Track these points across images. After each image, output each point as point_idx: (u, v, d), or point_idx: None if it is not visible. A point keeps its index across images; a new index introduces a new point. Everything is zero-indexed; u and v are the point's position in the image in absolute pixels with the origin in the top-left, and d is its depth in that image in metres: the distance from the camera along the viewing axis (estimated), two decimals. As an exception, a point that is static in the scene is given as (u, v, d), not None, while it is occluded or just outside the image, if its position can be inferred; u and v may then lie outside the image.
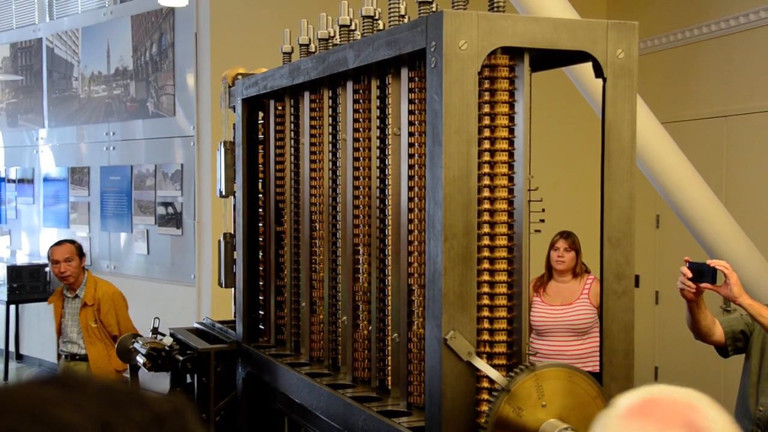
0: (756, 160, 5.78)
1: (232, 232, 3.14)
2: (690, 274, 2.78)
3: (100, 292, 4.83)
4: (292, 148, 2.78)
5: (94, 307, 4.77)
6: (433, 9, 1.99)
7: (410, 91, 2.06)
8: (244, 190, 3.00)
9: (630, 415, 0.96)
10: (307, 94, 2.63)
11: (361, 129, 2.33)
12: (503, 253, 1.85)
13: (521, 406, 1.72)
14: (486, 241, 1.85)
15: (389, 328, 2.19)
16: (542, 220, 1.86)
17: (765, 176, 5.72)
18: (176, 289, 6.63)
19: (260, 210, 3.04)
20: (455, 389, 1.78)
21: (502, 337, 1.85)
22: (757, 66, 5.81)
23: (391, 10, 2.16)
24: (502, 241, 1.85)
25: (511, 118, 1.86)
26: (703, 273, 2.76)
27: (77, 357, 4.79)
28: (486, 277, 1.84)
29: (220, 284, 3.19)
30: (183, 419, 0.64)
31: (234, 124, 3.09)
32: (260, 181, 3.04)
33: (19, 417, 0.58)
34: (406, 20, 2.15)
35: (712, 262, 2.79)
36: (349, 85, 2.35)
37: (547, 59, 2.02)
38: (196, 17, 6.35)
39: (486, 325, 1.84)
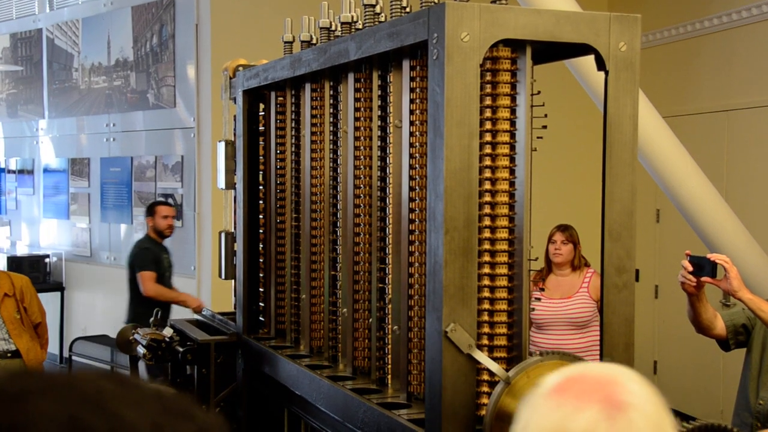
0: (757, 154, 5.78)
1: (233, 228, 3.14)
2: (690, 268, 2.78)
3: (18, 281, 4.60)
4: (293, 140, 2.78)
5: (17, 297, 4.53)
6: (435, 1, 1.99)
7: (412, 82, 2.05)
8: (245, 182, 2.99)
9: (551, 393, 0.95)
10: (308, 86, 2.62)
11: (362, 118, 2.32)
12: (504, 246, 1.85)
13: (521, 399, 1.72)
14: (487, 233, 1.84)
15: (389, 320, 2.19)
16: (545, 127, 1.85)
17: (766, 170, 5.71)
18: (176, 281, 6.63)
19: (261, 202, 3.04)
20: (455, 382, 1.78)
21: (503, 329, 1.85)
22: (758, 60, 5.79)
23: (393, 1, 2.15)
24: (502, 233, 1.85)
25: (513, 111, 1.86)
26: (703, 267, 2.77)
27: (9, 354, 4.47)
28: (487, 269, 1.84)
29: (220, 276, 3.19)
30: None
31: (235, 116, 3.09)
32: (261, 173, 3.03)
33: (83, 405, 0.59)
34: (408, 12, 2.14)
35: (712, 256, 2.80)
36: (351, 77, 2.35)
37: (549, 52, 2.01)
38: (196, 8, 6.34)
39: (486, 317, 1.84)
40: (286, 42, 2.85)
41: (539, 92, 1.88)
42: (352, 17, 2.43)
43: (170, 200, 6.71)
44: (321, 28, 2.58)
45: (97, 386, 0.62)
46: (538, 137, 1.87)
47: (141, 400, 0.62)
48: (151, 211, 5.56)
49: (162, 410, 0.62)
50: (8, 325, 4.49)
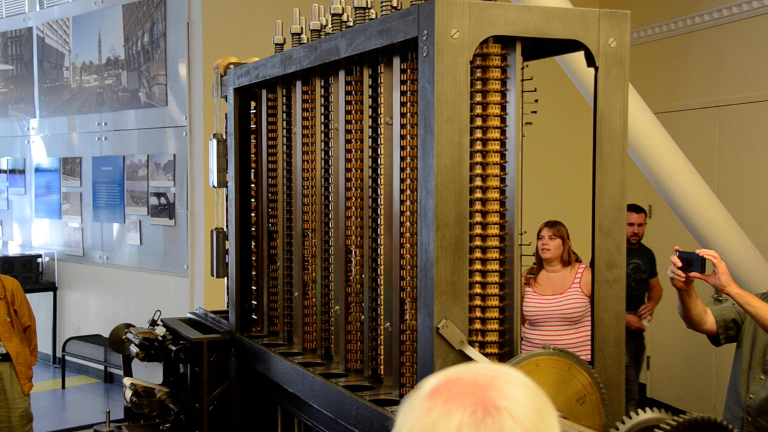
0: (748, 150, 5.80)
1: (224, 226, 3.14)
2: (679, 263, 2.79)
3: (9, 284, 4.62)
4: (284, 138, 2.78)
5: (8, 300, 4.56)
6: (425, -2, 1.99)
7: (402, 78, 2.05)
8: (237, 180, 2.99)
9: (427, 395, 0.91)
10: (299, 84, 2.62)
11: (353, 116, 2.33)
12: (495, 242, 1.85)
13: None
14: (478, 230, 1.85)
15: (381, 317, 2.19)
16: (529, 123, 1.86)
17: (757, 166, 5.74)
18: (169, 280, 6.63)
19: (253, 200, 3.03)
20: (447, 378, 1.78)
21: (494, 325, 1.85)
22: (749, 56, 5.82)
23: (383, -1, 2.15)
24: (493, 230, 1.85)
25: (503, 107, 1.86)
26: (692, 262, 2.78)
27: None
28: (478, 266, 1.85)
29: (212, 274, 3.19)
30: None
31: (226, 114, 3.08)
32: (252, 171, 3.03)
33: None
34: (398, 9, 2.14)
35: (701, 252, 2.80)
36: (341, 75, 2.35)
37: (540, 48, 2.02)
38: (188, 6, 6.32)
39: (478, 313, 1.85)
40: (276, 44, 2.84)
41: (535, 89, 1.89)
42: (343, 9, 2.43)
43: (162, 199, 6.69)
44: (312, 30, 2.57)
45: None
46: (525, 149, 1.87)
47: None
48: None
49: None
50: None
